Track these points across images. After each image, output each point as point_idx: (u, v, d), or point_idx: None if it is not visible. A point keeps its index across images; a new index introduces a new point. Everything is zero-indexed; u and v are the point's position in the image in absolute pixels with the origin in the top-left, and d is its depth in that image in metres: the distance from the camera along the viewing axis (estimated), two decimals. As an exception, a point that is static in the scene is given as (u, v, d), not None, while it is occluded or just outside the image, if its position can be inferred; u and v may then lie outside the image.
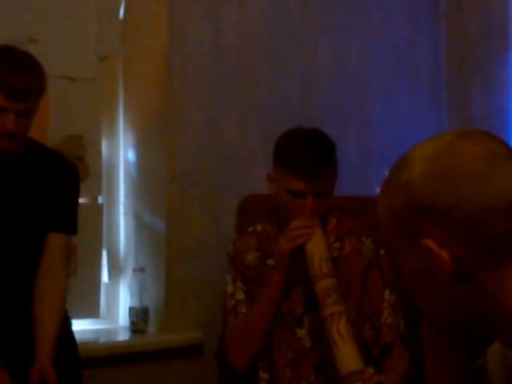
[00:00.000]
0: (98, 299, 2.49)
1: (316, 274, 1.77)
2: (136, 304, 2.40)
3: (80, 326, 2.29)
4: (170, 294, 2.40)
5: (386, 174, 0.96)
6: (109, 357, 2.29)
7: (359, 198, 2.32)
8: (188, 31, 2.44)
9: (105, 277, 2.53)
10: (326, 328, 1.73)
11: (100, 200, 2.53)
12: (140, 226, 2.49)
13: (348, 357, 1.68)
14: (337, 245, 1.93)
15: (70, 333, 1.98)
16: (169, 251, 2.41)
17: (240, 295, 1.93)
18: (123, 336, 2.42)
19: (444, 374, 1.05)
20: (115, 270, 2.53)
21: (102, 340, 2.40)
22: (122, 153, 2.55)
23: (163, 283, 2.40)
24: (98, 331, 2.45)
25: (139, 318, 2.40)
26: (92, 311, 2.47)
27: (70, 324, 1.98)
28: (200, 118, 2.45)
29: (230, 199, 2.40)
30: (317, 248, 1.79)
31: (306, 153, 1.82)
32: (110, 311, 2.53)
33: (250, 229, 2.01)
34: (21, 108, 1.75)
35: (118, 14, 2.55)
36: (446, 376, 1.05)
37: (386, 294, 1.91)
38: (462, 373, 1.04)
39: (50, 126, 2.38)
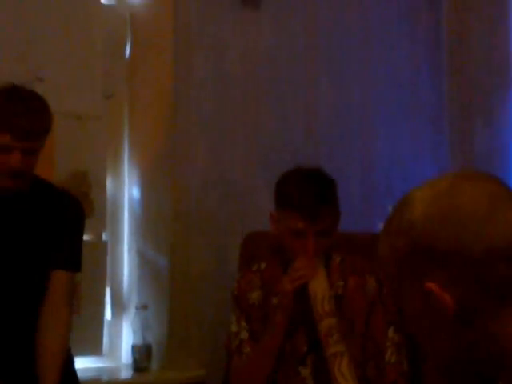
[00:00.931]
0: (101, 337, 2.48)
1: (319, 313, 1.78)
2: (139, 341, 2.39)
3: (83, 364, 2.28)
4: (172, 331, 2.40)
5: (389, 211, 0.97)
6: (111, 395, 2.28)
7: (362, 234, 2.32)
8: (193, 71, 2.47)
9: (108, 314, 2.52)
10: (328, 367, 1.72)
11: (104, 237, 2.53)
12: (143, 263, 2.50)
13: None
14: (340, 283, 1.93)
15: (73, 371, 1.97)
16: (172, 288, 2.40)
17: (244, 335, 1.92)
18: (126, 374, 2.41)
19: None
20: (118, 307, 2.52)
21: (105, 378, 2.39)
22: (126, 190, 2.56)
23: (166, 320, 2.40)
24: (100, 369, 2.44)
25: (142, 355, 2.38)
26: (95, 349, 2.46)
27: (72, 362, 1.98)
28: (204, 156, 2.47)
29: (234, 236, 2.41)
30: (319, 287, 1.80)
31: (305, 192, 1.83)
32: (113, 349, 2.51)
33: (254, 267, 2.01)
34: (27, 147, 1.76)
35: (124, 52, 2.59)
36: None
37: (390, 332, 1.90)
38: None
39: (56, 163, 2.39)
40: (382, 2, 2.87)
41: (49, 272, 1.88)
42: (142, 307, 2.40)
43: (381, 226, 0.96)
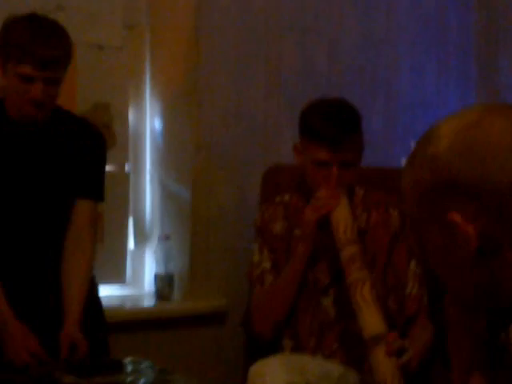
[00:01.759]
0: (125, 265, 2.52)
1: (341, 241, 1.78)
2: (161, 271, 2.43)
3: (106, 292, 2.33)
4: (194, 261, 2.43)
5: (412, 146, 0.96)
6: (134, 322, 2.33)
7: (385, 169, 2.31)
8: (215, 1, 2.42)
9: (131, 244, 2.56)
10: (350, 293, 1.74)
11: (127, 168, 2.55)
12: (166, 195, 2.52)
13: (372, 320, 1.69)
14: (364, 216, 1.94)
15: (97, 297, 2.02)
16: (194, 219, 2.43)
17: (267, 264, 1.95)
18: (148, 302, 2.46)
19: (465, 349, 1.05)
20: (141, 237, 2.56)
21: (128, 305, 2.44)
22: (148, 121, 2.56)
23: (188, 251, 2.43)
24: (123, 297, 2.49)
25: (164, 284, 2.43)
26: (118, 277, 2.50)
27: (97, 289, 2.02)
28: (226, 88, 2.45)
29: (255, 169, 2.41)
30: (342, 216, 1.80)
31: (330, 122, 1.82)
32: (136, 278, 2.56)
33: (278, 199, 2.02)
34: (49, 76, 1.76)
35: (146, -18, 2.54)
36: (468, 351, 1.05)
37: (412, 265, 1.91)
38: (484, 348, 1.04)
39: (78, 94, 2.39)
40: None
41: (72, 201, 1.90)
42: (165, 237, 2.44)
43: (404, 160, 0.96)
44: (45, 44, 1.74)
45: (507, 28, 2.82)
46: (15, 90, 1.78)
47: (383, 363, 1.64)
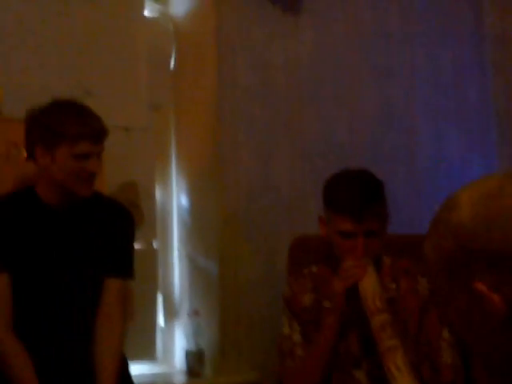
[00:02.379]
0: (155, 343, 2.52)
1: (370, 309, 1.77)
2: (192, 347, 2.42)
3: (137, 370, 2.33)
4: (224, 335, 2.42)
5: (435, 212, 0.97)
6: (167, 400, 2.32)
7: (411, 236, 2.30)
8: (236, 79, 2.50)
9: (161, 320, 2.56)
10: (383, 362, 1.71)
11: (155, 245, 2.58)
12: (194, 269, 2.53)
13: None
14: (393, 285, 1.93)
15: (129, 376, 2.01)
16: (222, 293, 2.43)
17: (297, 337, 1.93)
18: (180, 379, 2.44)
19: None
20: (170, 313, 2.56)
21: (160, 383, 2.42)
22: (175, 198, 2.60)
23: (217, 325, 2.42)
24: (155, 375, 2.48)
25: (195, 360, 2.42)
26: (149, 355, 2.50)
27: (127, 368, 2.02)
28: (251, 162, 2.49)
29: (282, 240, 2.42)
30: (370, 285, 1.80)
31: (353, 193, 1.84)
32: (167, 354, 2.55)
33: (306, 270, 2.03)
34: (100, 150, 1.85)
35: (169, 64, 2.64)
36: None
37: (445, 333, 1.88)
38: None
39: (106, 175, 2.45)
40: (423, 2, 2.86)
41: (102, 280, 1.92)
42: (194, 313, 2.44)
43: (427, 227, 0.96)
44: (93, 120, 1.83)
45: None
46: (70, 171, 1.82)
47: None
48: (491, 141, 2.93)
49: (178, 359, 2.52)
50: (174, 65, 2.63)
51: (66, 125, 1.80)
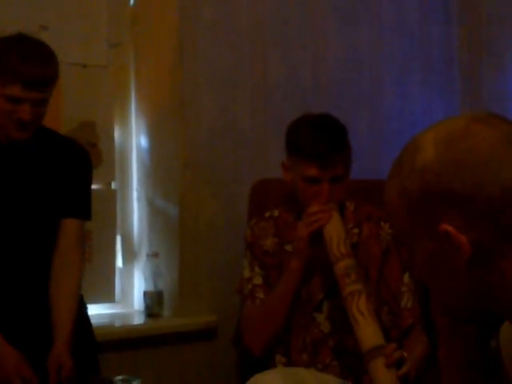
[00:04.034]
0: (113, 284, 2.51)
1: (335, 255, 1.78)
2: (150, 288, 2.42)
3: (96, 311, 2.33)
4: (183, 278, 2.42)
5: (397, 156, 0.95)
6: (124, 340, 2.32)
7: (373, 182, 2.31)
8: (199, 17, 2.43)
9: (119, 262, 2.55)
10: (346, 307, 1.73)
11: (113, 186, 2.54)
12: (153, 212, 2.51)
13: (369, 333, 1.68)
14: (355, 230, 1.94)
15: (86, 317, 2.00)
16: (182, 236, 2.42)
17: (258, 280, 1.94)
18: (138, 320, 2.45)
19: (456, 357, 1.05)
20: (129, 254, 2.55)
21: (118, 324, 2.42)
22: (134, 139, 2.56)
23: (177, 268, 2.42)
24: (113, 315, 2.48)
25: (154, 302, 2.42)
26: (107, 296, 2.49)
27: (85, 309, 2.01)
28: (212, 104, 2.45)
29: (243, 184, 2.41)
30: (334, 230, 1.80)
31: (318, 139, 1.83)
32: (125, 296, 2.55)
33: (267, 214, 2.02)
34: (36, 97, 1.75)
35: (129, 0, 2.55)
36: (458, 359, 1.05)
37: (406, 278, 1.91)
38: (474, 355, 1.04)
39: (63, 113, 2.39)
40: None
41: (59, 221, 1.89)
42: (153, 255, 2.43)
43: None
44: (33, 65, 1.73)
45: (489, 40, 2.85)
46: (1, 111, 1.77)
47: (383, 375, 1.63)
48: (454, 90, 2.94)
49: (137, 300, 2.52)
50: (134, 1, 2.55)
51: (4, 63, 1.72)
